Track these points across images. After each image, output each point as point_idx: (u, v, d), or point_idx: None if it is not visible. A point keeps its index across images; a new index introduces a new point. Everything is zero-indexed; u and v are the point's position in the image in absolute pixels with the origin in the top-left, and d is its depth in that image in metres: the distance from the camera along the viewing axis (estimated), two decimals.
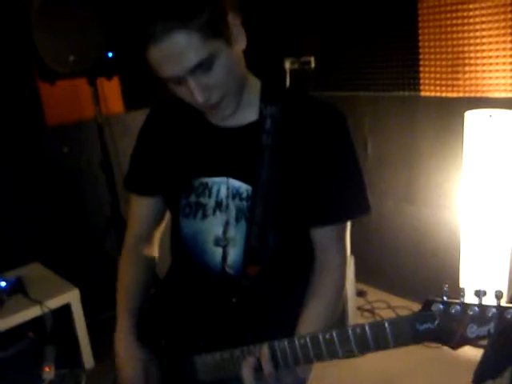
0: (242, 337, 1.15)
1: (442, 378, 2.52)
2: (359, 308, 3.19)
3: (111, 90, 3.05)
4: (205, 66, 1.04)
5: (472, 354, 2.15)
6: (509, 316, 0.74)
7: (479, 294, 0.78)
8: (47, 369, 2.51)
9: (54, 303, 2.62)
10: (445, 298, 0.82)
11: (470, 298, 0.81)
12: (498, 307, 0.76)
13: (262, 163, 1.17)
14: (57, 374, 2.53)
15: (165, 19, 0.98)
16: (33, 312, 2.54)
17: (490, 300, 0.78)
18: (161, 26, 0.98)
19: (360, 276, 3.23)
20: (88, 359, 2.81)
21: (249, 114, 1.21)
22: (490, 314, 0.77)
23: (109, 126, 2.90)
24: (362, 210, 1.23)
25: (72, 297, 2.70)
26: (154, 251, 1.44)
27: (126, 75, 2.98)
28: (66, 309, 2.69)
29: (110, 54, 2.50)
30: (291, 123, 1.19)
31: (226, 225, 1.21)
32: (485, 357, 2.00)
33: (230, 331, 1.21)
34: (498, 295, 0.76)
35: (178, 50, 1.00)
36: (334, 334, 0.95)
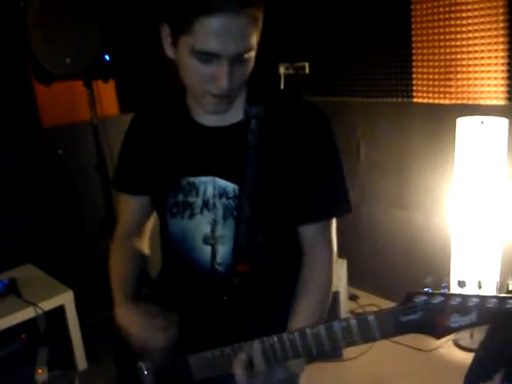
0: (233, 334, 1.16)
1: (433, 382, 2.53)
2: (351, 312, 3.20)
3: (106, 93, 3.05)
4: (245, 55, 1.05)
5: (463, 357, 2.18)
6: (490, 305, 0.77)
7: (461, 284, 0.80)
8: (40, 371, 2.49)
9: (48, 305, 2.61)
10: (427, 290, 0.84)
11: (454, 290, 0.83)
12: (480, 297, 0.78)
13: (247, 163, 1.19)
14: (50, 376, 2.52)
15: None
16: (26, 314, 2.54)
17: (472, 290, 0.80)
18: (239, 1, 0.98)
19: (352, 280, 3.25)
20: (81, 361, 2.81)
21: (235, 114, 1.22)
22: (471, 304, 0.79)
23: (104, 128, 2.91)
24: (344, 209, 1.26)
25: (66, 298, 2.69)
26: (144, 245, 1.44)
27: (122, 78, 2.99)
28: (59, 310, 2.69)
29: (107, 57, 2.51)
30: (276, 123, 1.21)
31: (214, 223, 1.23)
32: (476, 360, 2.01)
33: (221, 329, 1.22)
34: (480, 285, 0.78)
35: (238, 30, 1.00)
36: (321, 328, 0.97)
